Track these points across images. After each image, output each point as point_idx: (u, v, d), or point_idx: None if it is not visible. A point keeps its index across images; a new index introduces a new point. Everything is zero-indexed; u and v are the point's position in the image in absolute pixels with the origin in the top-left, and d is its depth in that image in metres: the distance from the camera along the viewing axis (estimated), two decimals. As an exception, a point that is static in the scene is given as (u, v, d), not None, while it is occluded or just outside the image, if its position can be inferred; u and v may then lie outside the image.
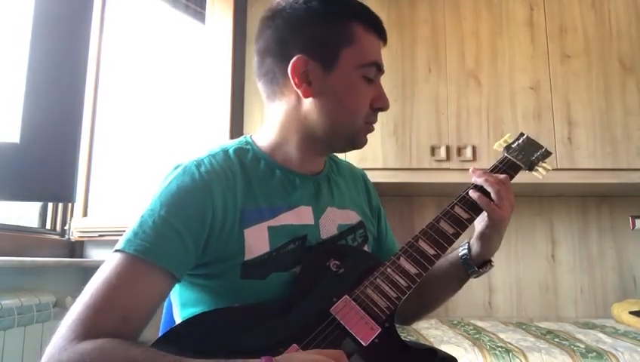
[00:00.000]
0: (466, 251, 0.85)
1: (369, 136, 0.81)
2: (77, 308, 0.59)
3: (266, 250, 0.72)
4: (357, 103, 0.76)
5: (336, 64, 0.74)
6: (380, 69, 0.78)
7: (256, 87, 0.82)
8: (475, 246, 0.84)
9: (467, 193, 0.83)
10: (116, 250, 0.64)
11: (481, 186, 0.82)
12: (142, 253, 0.63)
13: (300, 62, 0.73)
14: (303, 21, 0.75)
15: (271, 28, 0.77)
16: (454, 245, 0.80)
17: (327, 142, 0.79)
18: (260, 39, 0.78)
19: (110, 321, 0.59)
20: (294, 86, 0.74)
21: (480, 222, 0.83)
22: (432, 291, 0.87)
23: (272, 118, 0.80)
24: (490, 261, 0.86)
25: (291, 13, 0.75)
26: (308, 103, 0.76)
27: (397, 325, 0.72)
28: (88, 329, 0.57)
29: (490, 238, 0.82)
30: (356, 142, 0.80)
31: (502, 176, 0.83)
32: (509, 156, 0.90)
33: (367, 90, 0.77)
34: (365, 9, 0.78)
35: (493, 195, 0.80)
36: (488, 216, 0.80)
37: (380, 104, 0.78)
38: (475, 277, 0.86)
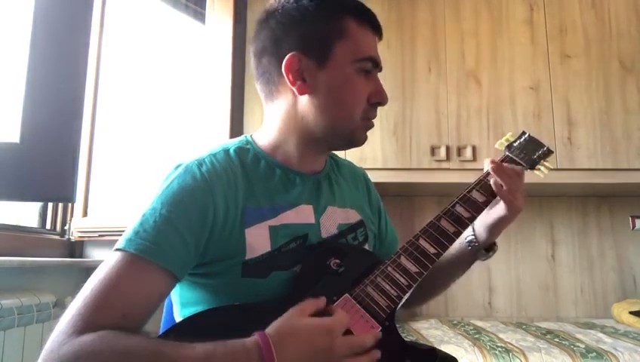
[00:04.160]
0: (473, 237, 0.89)
1: (369, 136, 0.81)
2: (76, 304, 0.59)
3: (267, 249, 0.72)
4: (353, 98, 0.75)
5: (329, 59, 0.74)
6: (376, 63, 0.77)
7: (257, 87, 0.83)
8: (482, 232, 0.87)
9: (470, 191, 0.83)
10: (117, 249, 0.64)
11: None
12: (143, 252, 0.63)
13: (294, 60, 0.74)
14: (295, 20, 0.76)
15: (265, 29, 0.78)
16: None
17: (325, 141, 0.78)
18: (256, 41, 0.80)
19: (110, 318, 0.59)
20: (289, 84, 0.75)
21: (493, 208, 0.85)
22: (441, 277, 0.92)
23: (271, 118, 0.80)
24: (494, 243, 0.90)
25: (283, 13, 0.76)
26: (304, 101, 0.76)
27: (397, 324, 0.72)
28: (88, 324, 0.57)
29: (502, 227, 0.86)
30: (355, 139, 0.79)
31: (518, 168, 0.86)
32: (510, 155, 0.90)
33: (363, 85, 0.76)
34: (358, 4, 0.78)
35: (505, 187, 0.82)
36: (507, 205, 0.82)
37: (377, 98, 0.77)
38: (483, 260, 0.90)
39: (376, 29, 0.79)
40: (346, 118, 0.76)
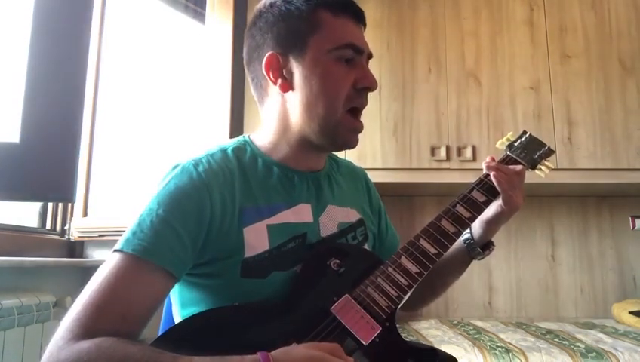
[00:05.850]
0: (469, 235, 0.89)
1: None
2: (76, 308, 0.60)
3: (266, 248, 0.72)
4: (332, 86, 0.75)
5: (306, 54, 0.75)
6: (358, 50, 0.76)
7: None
8: (479, 230, 0.88)
9: (471, 191, 0.84)
10: (115, 250, 0.65)
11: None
12: (140, 252, 0.63)
13: (272, 58, 0.76)
14: (270, 22, 0.78)
15: (249, 38, 0.81)
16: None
17: (314, 138, 0.77)
18: (244, 51, 0.83)
19: (109, 321, 0.59)
20: (272, 84, 0.77)
21: (491, 208, 0.85)
22: (439, 277, 0.92)
23: (266, 120, 0.82)
24: (491, 242, 0.90)
25: (261, 19, 0.79)
26: (289, 99, 0.77)
27: (397, 324, 0.72)
28: (87, 328, 0.58)
29: (499, 223, 0.87)
30: (339, 135, 0.77)
31: (519, 167, 0.86)
32: (511, 154, 0.90)
33: (344, 73, 0.75)
34: None
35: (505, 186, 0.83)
36: (505, 202, 0.83)
37: (364, 83, 0.76)
38: (479, 260, 0.91)
39: (355, 15, 0.78)
40: (328, 107, 0.74)
